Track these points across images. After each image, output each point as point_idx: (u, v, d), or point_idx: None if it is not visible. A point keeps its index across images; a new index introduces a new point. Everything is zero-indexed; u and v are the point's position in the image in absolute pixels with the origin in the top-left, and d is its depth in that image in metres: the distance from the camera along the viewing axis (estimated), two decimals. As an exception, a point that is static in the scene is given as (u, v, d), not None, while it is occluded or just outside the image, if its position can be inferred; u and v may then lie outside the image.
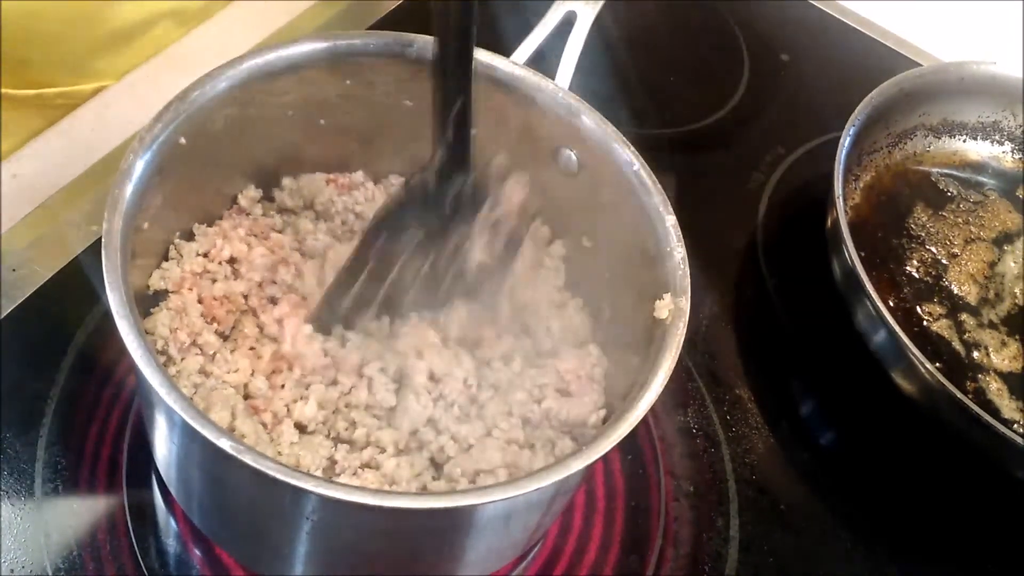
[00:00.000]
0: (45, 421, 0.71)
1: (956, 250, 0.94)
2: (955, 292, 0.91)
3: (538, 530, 0.66)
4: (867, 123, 0.91)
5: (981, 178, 1.03)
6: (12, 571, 0.65)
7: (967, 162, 1.03)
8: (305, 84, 0.67)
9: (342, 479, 0.61)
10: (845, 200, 0.86)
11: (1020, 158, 1.04)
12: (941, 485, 0.83)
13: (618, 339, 0.67)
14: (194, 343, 0.64)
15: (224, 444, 0.48)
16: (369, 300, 0.66)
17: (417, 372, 0.65)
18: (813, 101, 1.11)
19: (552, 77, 0.69)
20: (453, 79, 0.60)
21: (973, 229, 0.97)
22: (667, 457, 0.79)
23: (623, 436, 0.53)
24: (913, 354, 0.75)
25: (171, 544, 0.68)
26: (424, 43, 0.67)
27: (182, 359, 0.63)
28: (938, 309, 0.89)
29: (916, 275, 0.92)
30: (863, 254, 0.81)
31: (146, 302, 0.65)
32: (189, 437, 0.53)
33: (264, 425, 0.62)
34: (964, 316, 0.89)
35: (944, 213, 0.98)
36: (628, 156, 0.66)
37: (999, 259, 0.95)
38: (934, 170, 1.02)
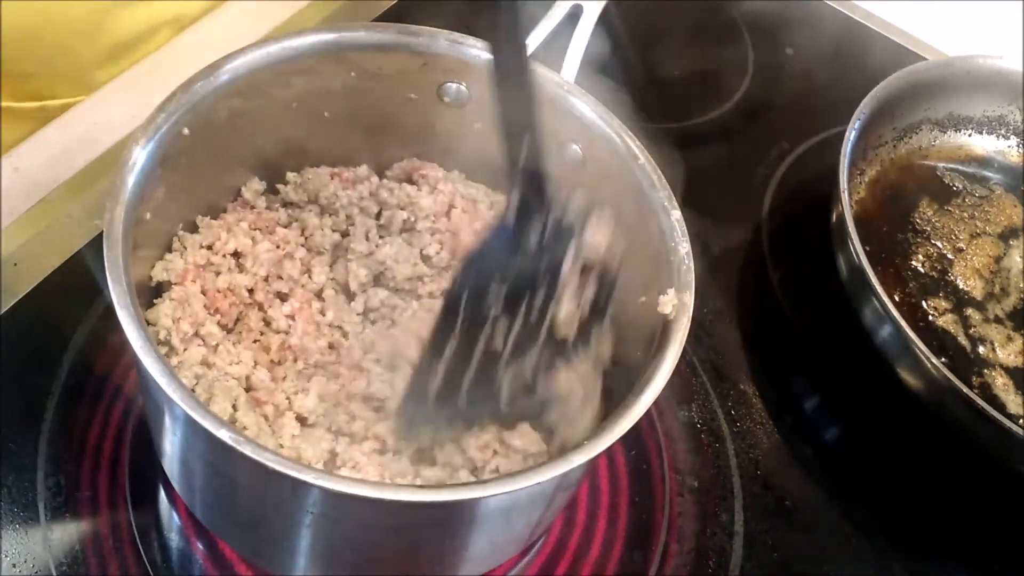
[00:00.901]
0: (47, 415, 0.71)
1: (962, 245, 0.94)
2: (961, 287, 0.91)
3: (541, 525, 0.66)
4: (872, 117, 0.91)
5: (987, 173, 1.02)
6: (15, 566, 0.65)
7: (973, 156, 1.03)
8: (309, 75, 0.67)
9: (343, 472, 0.60)
10: (850, 195, 0.85)
11: (1026, 153, 1.03)
12: (946, 480, 0.82)
13: (622, 334, 0.67)
14: (197, 334, 0.64)
15: (225, 436, 0.48)
16: (461, 374, 0.59)
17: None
18: (818, 95, 1.10)
19: (558, 71, 0.69)
20: (518, 109, 0.57)
21: (979, 224, 0.96)
22: (671, 452, 0.78)
23: (626, 431, 0.53)
24: (919, 349, 0.75)
25: (173, 537, 0.68)
26: (430, 34, 0.67)
27: (184, 349, 0.63)
28: (944, 304, 0.89)
29: (921, 270, 0.92)
30: (868, 249, 0.81)
31: (148, 293, 0.65)
32: (190, 429, 0.53)
33: (266, 417, 0.62)
34: (970, 311, 0.89)
35: (950, 208, 0.97)
36: (633, 150, 0.66)
37: (1005, 254, 0.94)
38: (939, 164, 1.01)
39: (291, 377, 0.64)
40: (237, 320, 0.67)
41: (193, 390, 0.60)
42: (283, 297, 0.68)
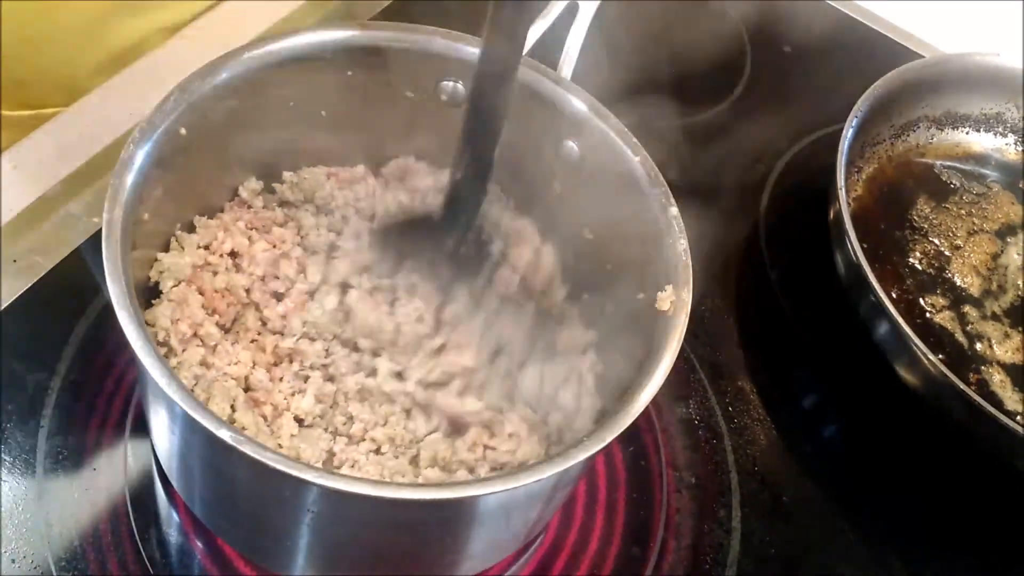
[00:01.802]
0: (46, 412, 0.71)
1: (959, 242, 0.94)
2: (958, 284, 0.91)
3: (539, 522, 0.66)
4: (870, 115, 0.91)
5: (984, 170, 1.02)
6: (14, 561, 0.65)
7: (970, 154, 1.03)
8: (307, 75, 0.67)
9: (342, 471, 0.60)
10: (848, 192, 0.85)
11: (1023, 150, 1.03)
12: (944, 477, 0.83)
13: (620, 331, 0.67)
14: (195, 334, 0.64)
15: (224, 435, 0.48)
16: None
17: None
18: (816, 93, 1.10)
19: (554, 68, 0.69)
20: (492, 108, 0.60)
21: (976, 221, 0.97)
22: (669, 449, 0.79)
23: (624, 428, 0.53)
24: (916, 346, 0.75)
25: (172, 535, 0.68)
26: (427, 33, 0.67)
27: (183, 350, 0.63)
28: (941, 301, 0.89)
29: (919, 267, 0.92)
30: (866, 246, 0.81)
31: (147, 293, 0.65)
32: (190, 428, 0.53)
33: (264, 418, 0.62)
34: (967, 308, 0.89)
35: (947, 205, 0.98)
36: (630, 147, 0.66)
37: (1002, 251, 0.94)
38: (937, 162, 1.02)
39: (288, 378, 0.64)
40: (235, 320, 0.67)
41: (192, 390, 0.60)
42: (279, 297, 0.68)
